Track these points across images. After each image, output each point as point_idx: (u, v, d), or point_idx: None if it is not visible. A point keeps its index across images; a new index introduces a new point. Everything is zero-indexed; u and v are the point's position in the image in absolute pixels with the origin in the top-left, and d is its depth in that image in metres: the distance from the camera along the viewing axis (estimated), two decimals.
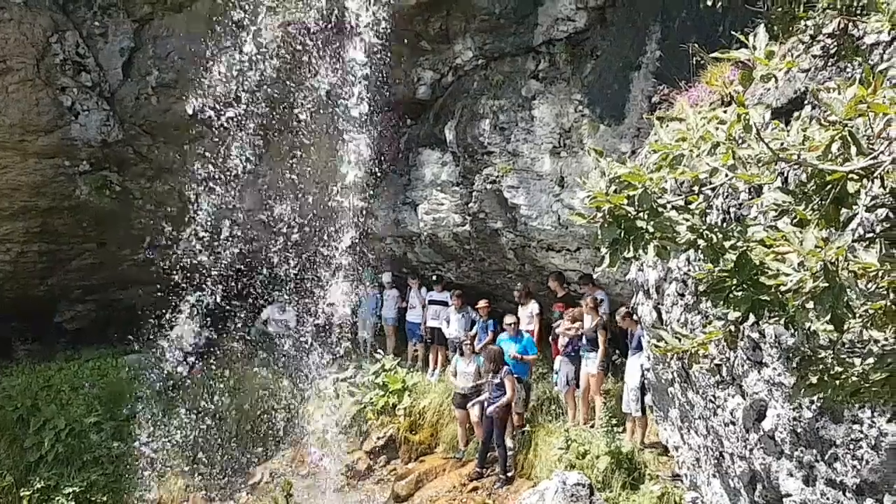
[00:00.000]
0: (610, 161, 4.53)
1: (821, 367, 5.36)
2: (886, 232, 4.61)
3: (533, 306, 20.39)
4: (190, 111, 20.14)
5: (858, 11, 7.06)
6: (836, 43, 7.88)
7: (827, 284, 4.14)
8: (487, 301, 21.30)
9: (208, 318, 23.32)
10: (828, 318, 4.31)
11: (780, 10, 10.03)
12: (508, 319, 19.63)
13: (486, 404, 18.64)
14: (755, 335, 9.02)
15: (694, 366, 10.40)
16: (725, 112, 4.68)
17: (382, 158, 21.55)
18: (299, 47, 19.67)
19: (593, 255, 18.41)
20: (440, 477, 19.49)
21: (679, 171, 4.51)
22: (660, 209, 4.46)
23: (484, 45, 19.47)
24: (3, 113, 21.65)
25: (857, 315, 4.75)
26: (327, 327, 22.31)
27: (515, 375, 18.54)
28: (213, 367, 23.97)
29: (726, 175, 4.50)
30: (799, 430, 8.75)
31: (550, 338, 20.02)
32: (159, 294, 22.76)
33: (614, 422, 17.19)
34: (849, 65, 8.05)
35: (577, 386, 18.36)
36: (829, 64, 8.43)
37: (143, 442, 22.64)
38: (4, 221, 23.99)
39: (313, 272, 22.42)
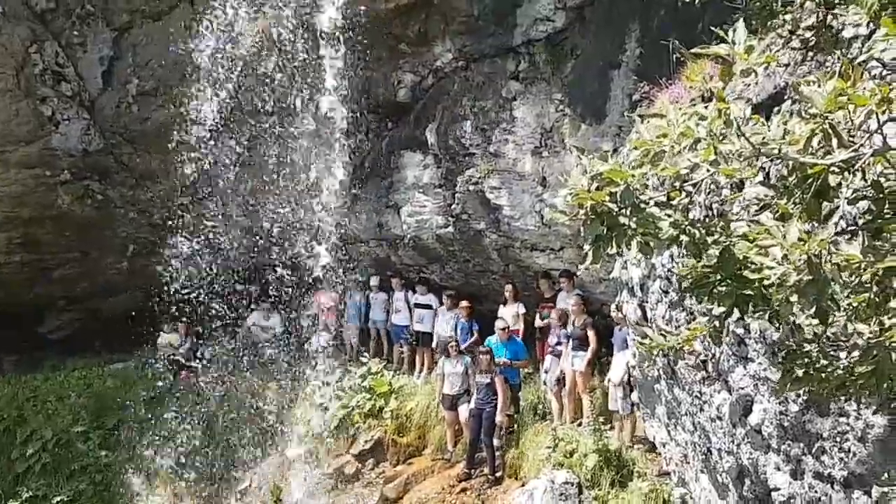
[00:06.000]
0: (592, 158, 4.53)
1: (806, 360, 5.38)
2: (868, 224, 4.62)
3: (518, 307, 20.35)
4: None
5: (837, 2, 7.09)
6: (815, 36, 7.91)
7: (811, 277, 4.15)
8: (469, 302, 21.25)
9: (194, 325, 23.32)
10: (812, 311, 4.32)
11: (758, 4, 10.06)
12: (500, 325, 19.55)
13: (475, 406, 18.65)
14: (740, 331, 9.05)
15: (680, 362, 10.43)
16: (706, 108, 4.69)
17: (364, 162, 21.55)
18: (277, 53, 19.67)
19: (577, 254, 18.39)
20: (429, 478, 19.44)
21: (661, 167, 4.52)
22: (642, 205, 4.46)
23: (463, 47, 19.47)
24: None
25: (842, 308, 4.76)
26: (312, 332, 22.32)
27: (503, 376, 18.54)
28: (200, 373, 23.90)
29: (707, 170, 4.51)
30: (786, 423, 8.78)
31: (537, 338, 20.02)
32: (144, 302, 22.71)
33: (601, 420, 17.21)
34: (828, 58, 8.07)
35: (565, 385, 18.34)
36: (809, 58, 8.46)
37: (130, 450, 22.64)
38: None
39: (297, 277, 22.41)
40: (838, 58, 7.67)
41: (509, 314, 20.17)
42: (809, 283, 4.14)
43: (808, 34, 8.27)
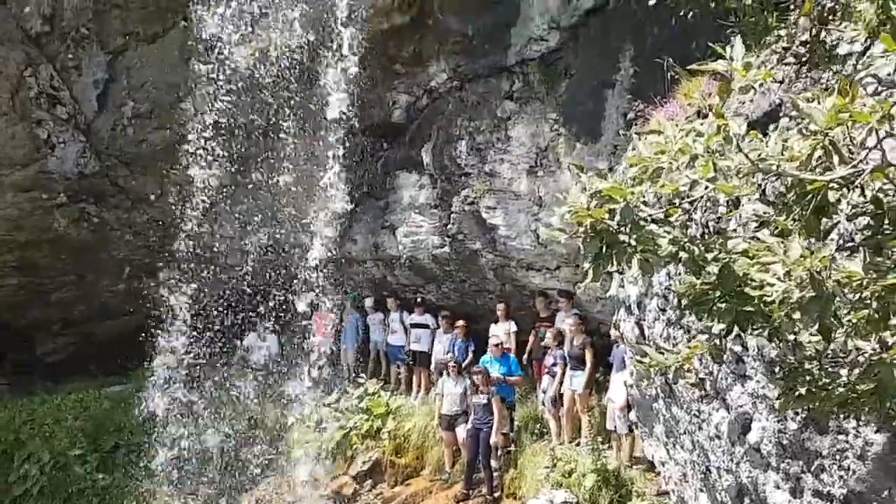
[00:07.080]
0: (591, 176, 4.52)
1: (808, 378, 5.35)
2: (868, 240, 4.60)
3: (510, 325, 20.33)
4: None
5: (831, 17, 7.10)
6: (809, 52, 7.91)
7: (814, 294, 4.13)
8: (465, 322, 21.22)
9: (190, 347, 23.22)
10: (815, 327, 4.30)
11: (752, 20, 10.07)
12: (494, 341, 19.53)
13: (473, 427, 18.59)
14: (738, 348, 9.02)
15: (679, 381, 10.38)
16: (703, 124, 4.68)
17: (360, 182, 21.54)
18: (273, 74, 19.66)
19: (573, 274, 18.40)
20: (426, 499, 19.38)
21: (660, 184, 4.50)
22: (641, 223, 4.44)
23: (458, 67, 19.50)
24: None
25: (843, 325, 4.74)
26: (309, 353, 22.24)
27: (500, 396, 18.49)
28: (196, 395, 23.79)
29: (706, 187, 4.49)
30: (784, 441, 8.75)
31: (533, 357, 19.97)
32: (140, 325, 22.64)
33: (600, 439, 17.16)
34: (823, 74, 8.07)
35: (562, 404, 18.29)
36: (804, 74, 8.46)
37: (127, 472, 22.55)
38: None
39: (293, 298, 22.36)
40: (833, 74, 7.67)
41: (501, 332, 20.14)
42: (812, 299, 4.12)
43: (802, 50, 8.27)
